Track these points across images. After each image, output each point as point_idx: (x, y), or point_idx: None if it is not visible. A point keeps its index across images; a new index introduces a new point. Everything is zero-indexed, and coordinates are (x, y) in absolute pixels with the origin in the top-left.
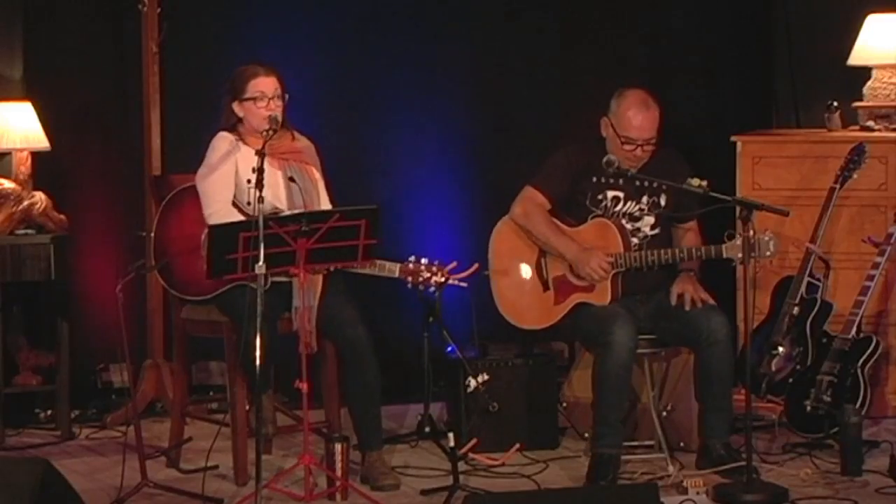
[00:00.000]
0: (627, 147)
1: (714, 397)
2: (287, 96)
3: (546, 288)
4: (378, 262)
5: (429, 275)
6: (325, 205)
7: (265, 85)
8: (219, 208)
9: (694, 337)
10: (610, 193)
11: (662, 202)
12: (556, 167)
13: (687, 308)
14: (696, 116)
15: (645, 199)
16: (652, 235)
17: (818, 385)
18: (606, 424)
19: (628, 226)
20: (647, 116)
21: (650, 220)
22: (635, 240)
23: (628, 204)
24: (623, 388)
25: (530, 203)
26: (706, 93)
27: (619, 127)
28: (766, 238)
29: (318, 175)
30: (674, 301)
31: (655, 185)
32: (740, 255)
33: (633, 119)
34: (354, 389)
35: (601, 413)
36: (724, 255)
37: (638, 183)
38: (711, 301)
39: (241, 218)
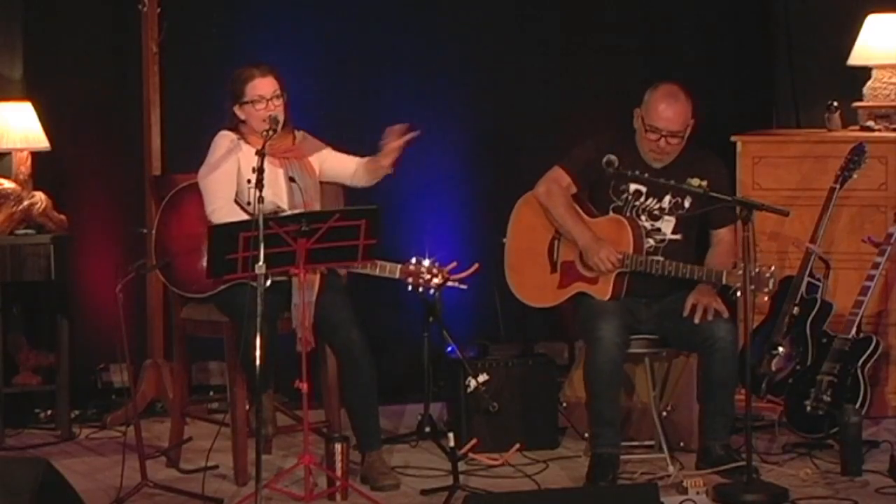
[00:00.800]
0: (651, 136)
1: (716, 401)
2: (287, 95)
3: (554, 270)
4: (379, 262)
5: (429, 276)
6: (350, 163)
7: (263, 87)
8: (221, 205)
9: (699, 342)
10: (633, 186)
11: (686, 204)
12: (585, 153)
13: (697, 321)
14: (695, 116)
15: (668, 198)
16: (671, 240)
17: (818, 385)
18: (603, 424)
19: (647, 224)
20: (675, 109)
21: (671, 220)
22: (652, 241)
23: (650, 200)
24: (615, 385)
25: (554, 183)
26: (706, 93)
27: (647, 117)
28: (768, 275)
29: (316, 162)
30: (687, 311)
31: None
32: (739, 283)
33: (663, 111)
34: (351, 391)
35: (596, 412)
36: (724, 282)
37: (663, 180)
38: (726, 313)
39: (243, 216)
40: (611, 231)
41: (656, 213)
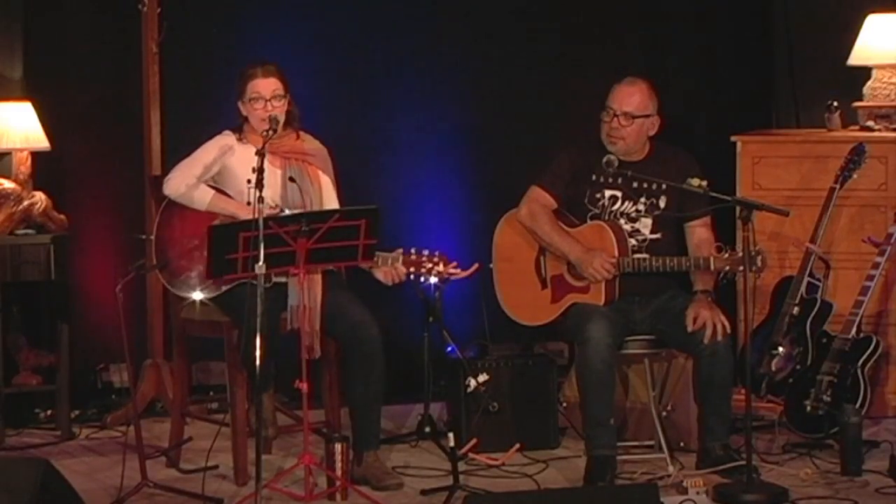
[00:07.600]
0: (605, 117)
1: (713, 403)
2: (290, 96)
3: (544, 286)
4: (380, 255)
5: (431, 265)
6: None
7: (262, 87)
8: (175, 176)
9: (693, 345)
10: (608, 192)
11: (662, 204)
12: (559, 167)
13: (706, 341)
14: (696, 116)
15: (643, 200)
16: (652, 239)
17: (818, 385)
18: (598, 425)
19: (627, 227)
20: (629, 90)
21: (648, 222)
22: (633, 241)
23: (626, 204)
24: (607, 385)
25: (535, 204)
26: (706, 92)
27: (606, 101)
28: (754, 254)
29: (325, 179)
30: (691, 327)
31: (654, 186)
32: (728, 267)
33: (617, 91)
34: (362, 389)
35: (590, 413)
36: (712, 267)
37: (636, 184)
38: (729, 329)
39: (195, 190)
40: (594, 238)
41: (633, 215)
